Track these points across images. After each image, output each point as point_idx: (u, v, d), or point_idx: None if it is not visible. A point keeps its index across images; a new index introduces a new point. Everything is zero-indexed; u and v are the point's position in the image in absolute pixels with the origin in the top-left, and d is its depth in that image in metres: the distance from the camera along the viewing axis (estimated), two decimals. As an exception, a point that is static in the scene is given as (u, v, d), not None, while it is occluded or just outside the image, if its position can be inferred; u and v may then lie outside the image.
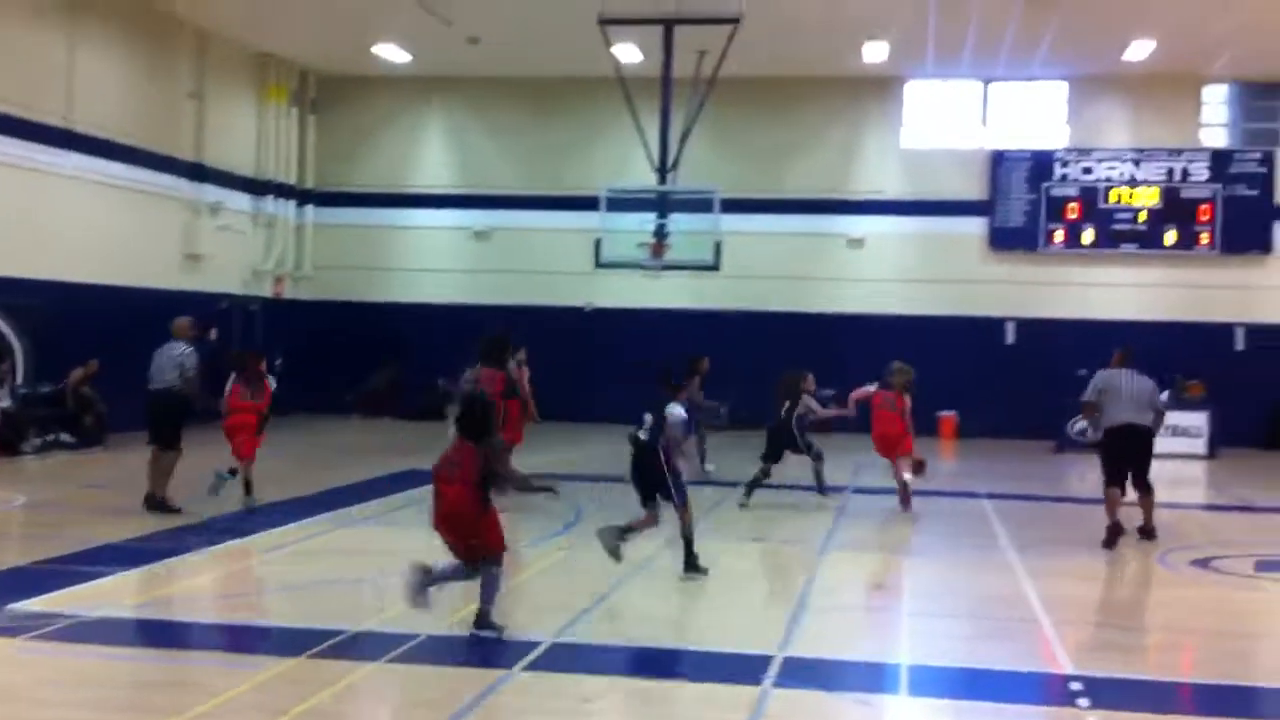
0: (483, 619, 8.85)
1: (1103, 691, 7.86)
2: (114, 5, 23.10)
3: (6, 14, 20.82)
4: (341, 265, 30.28)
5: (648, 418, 11.35)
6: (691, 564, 11.33)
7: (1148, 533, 14.11)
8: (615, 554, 10.99)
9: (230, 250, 27.26)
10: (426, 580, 8.92)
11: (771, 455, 16.60)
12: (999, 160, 28.26)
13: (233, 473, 14.62)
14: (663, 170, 23.35)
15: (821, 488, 16.69)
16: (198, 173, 26.08)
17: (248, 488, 14.60)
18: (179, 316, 15.07)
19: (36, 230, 21.35)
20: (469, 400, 9.42)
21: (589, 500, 16.01)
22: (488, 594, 8.90)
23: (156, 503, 14.16)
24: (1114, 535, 13.75)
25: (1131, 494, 14.04)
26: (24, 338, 21.04)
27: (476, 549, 8.95)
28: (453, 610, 9.42)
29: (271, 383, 15.26)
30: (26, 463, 19.30)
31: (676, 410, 11.19)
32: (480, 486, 8.86)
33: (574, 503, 15.63)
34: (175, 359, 14.37)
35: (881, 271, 28.57)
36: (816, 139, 28.99)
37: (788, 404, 16.53)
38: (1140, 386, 14.33)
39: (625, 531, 11.21)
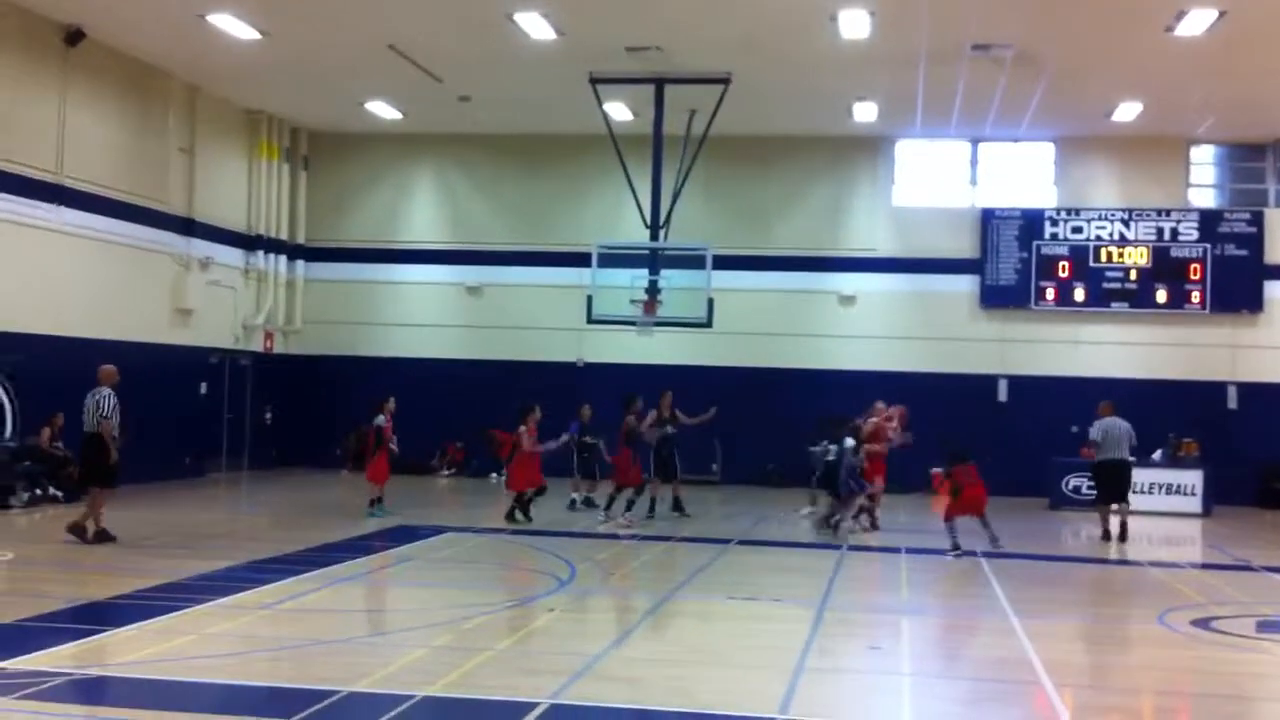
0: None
1: (1110, 756, 7.72)
2: (105, 60, 23.13)
3: (-1, 68, 20.85)
4: (332, 320, 30.24)
5: (833, 447, 18.87)
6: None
7: (1123, 534, 19.75)
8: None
9: (220, 305, 27.22)
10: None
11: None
12: (989, 218, 28.38)
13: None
14: (654, 227, 23.42)
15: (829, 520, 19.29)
16: (188, 227, 26.05)
17: (380, 500, 20.23)
18: (105, 364, 16.40)
19: (26, 284, 21.27)
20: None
21: (583, 558, 15.86)
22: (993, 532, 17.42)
23: (102, 535, 15.78)
24: (1108, 536, 19.87)
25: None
26: (13, 392, 20.88)
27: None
28: (443, 674, 9.28)
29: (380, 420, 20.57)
30: (14, 518, 19.07)
31: (849, 442, 18.68)
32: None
33: (568, 560, 15.51)
34: (96, 403, 15.83)
35: (873, 328, 28.58)
36: (807, 196, 29.09)
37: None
38: (1123, 430, 20.09)
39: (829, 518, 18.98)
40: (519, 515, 19.47)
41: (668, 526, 19.76)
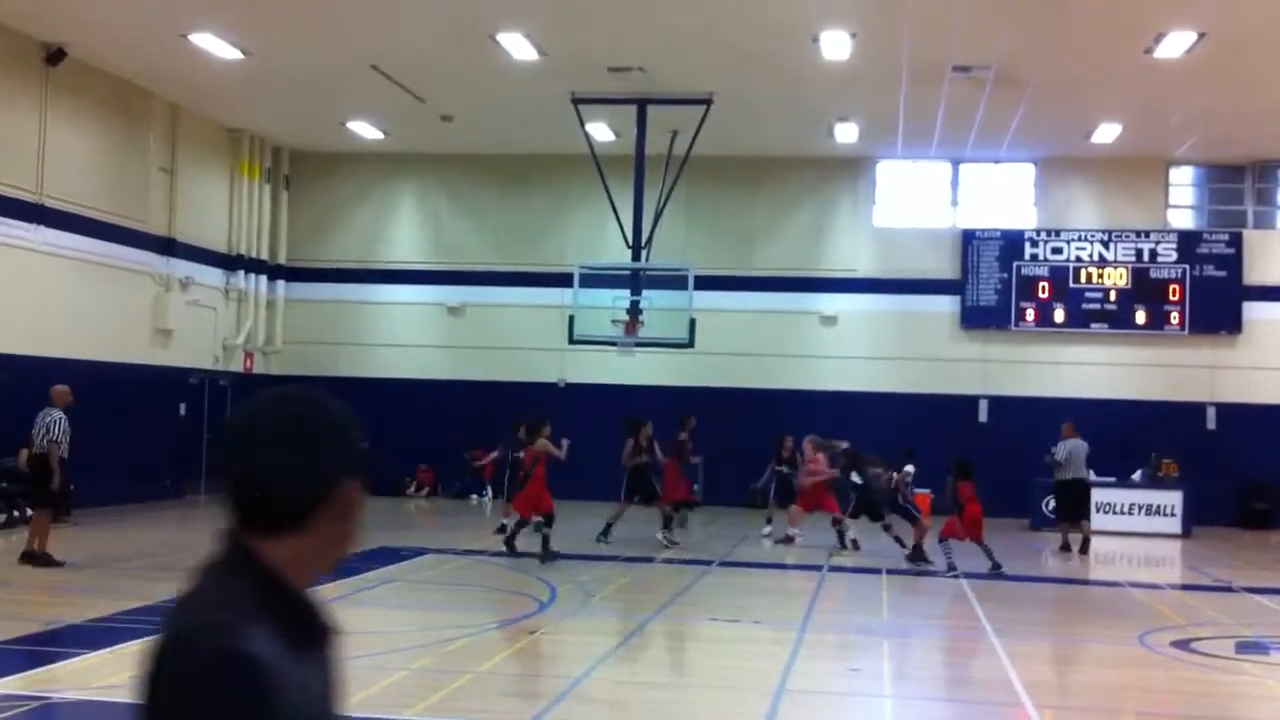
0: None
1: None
2: (86, 79, 23.05)
3: (-21, 87, 20.77)
4: (313, 340, 30.12)
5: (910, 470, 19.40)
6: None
7: (1085, 547, 20.84)
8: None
9: (201, 325, 27.09)
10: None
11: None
12: (969, 239, 28.45)
13: None
14: (636, 247, 23.43)
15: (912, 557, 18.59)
16: (168, 247, 25.93)
17: None
18: (58, 384, 16.38)
19: (5, 304, 21.13)
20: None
21: (564, 580, 15.80)
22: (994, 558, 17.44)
23: (37, 558, 15.33)
24: (1068, 548, 21.01)
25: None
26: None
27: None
28: (424, 696, 9.22)
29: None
30: (-11, 540, 18.93)
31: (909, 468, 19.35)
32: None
33: (550, 582, 15.45)
34: (45, 425, 15.73)
35: (854, 349, 28.60)
36: (789, 217, 29.15)
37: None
38: (1084, 450, 21.50)
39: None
40: (512, 545, 17.88)
41: (648, 548, 19.71)
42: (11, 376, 20.86)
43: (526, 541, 17.92)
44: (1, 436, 20.84)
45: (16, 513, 20.19)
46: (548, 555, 17.17)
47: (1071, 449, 21.47)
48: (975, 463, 24.52)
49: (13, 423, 20.80)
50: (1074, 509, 21.52)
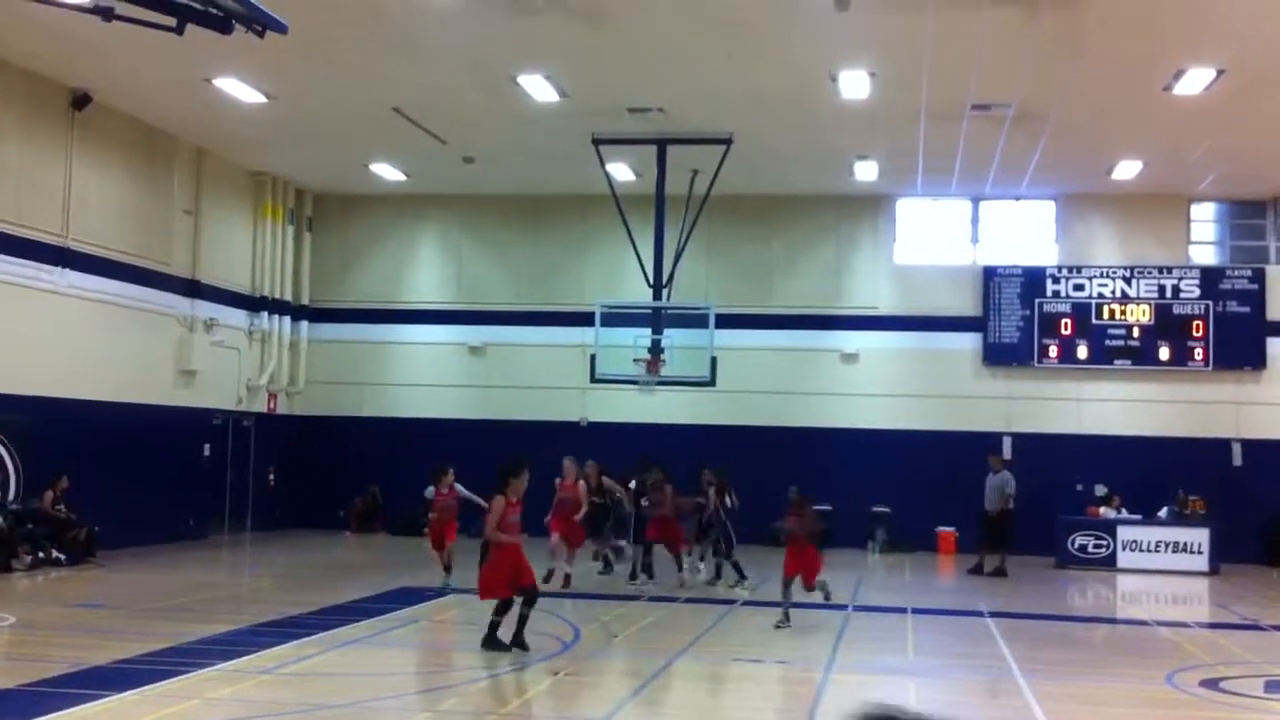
0: None
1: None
2: (112, 123, 23.29)
3: (3, 130, 20.97)
4: (336, 380, 30.24)
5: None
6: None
7: (1001, 571, 22.69)
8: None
9: (224, 366, 27.23)
10: None
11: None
12: (991, 276, 28.43)
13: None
14: (657, 286, 23.50)
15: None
16: (193, 289, 26.12)
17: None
18: None
19: (31, 346, 21.30)
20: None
21: (589, 620, 15.76)
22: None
23: None
24: (979, 571, 22.92)
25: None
26: (17, 455, 20.88)
27: None
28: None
29: (459, 489, 18.92)
30: (16, 581, 18.99)
31: None
32: None
33: (572, 622, 15.40)
34: None
35: (876, 386, 28.56)
36: (809, 255, 29.18)
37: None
38: (1011, 482, 23.48)
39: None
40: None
41: (671, 589, 19.67)
42: (37, 419, 21.00)
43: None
44: (27, 479, 21.01)
45: (41, 554, 20.29)
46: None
47: (1004, 479, 23.44)
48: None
49: (39, 465, 20.99)
50: (1002, 536, 23.20)
